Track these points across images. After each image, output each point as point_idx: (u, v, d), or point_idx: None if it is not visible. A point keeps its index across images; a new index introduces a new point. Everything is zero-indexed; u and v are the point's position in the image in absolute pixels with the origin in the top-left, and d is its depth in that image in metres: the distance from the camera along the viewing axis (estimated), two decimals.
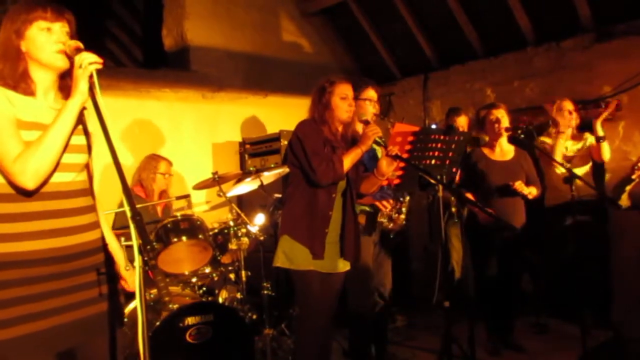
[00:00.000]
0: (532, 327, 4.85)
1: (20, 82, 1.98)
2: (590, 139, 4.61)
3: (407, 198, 3.97)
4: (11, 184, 1.90)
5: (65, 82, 2.05)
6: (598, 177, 4.79)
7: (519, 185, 4.14)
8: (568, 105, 4.59)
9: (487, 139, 4.57)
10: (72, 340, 2.01)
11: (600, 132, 4.45)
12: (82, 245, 2.05)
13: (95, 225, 2.14)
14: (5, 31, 2.00)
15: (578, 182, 3.81)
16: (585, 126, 4.67)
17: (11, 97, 1.93)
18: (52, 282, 1.95)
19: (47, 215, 1.96)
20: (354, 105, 3.21)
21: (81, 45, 1.99)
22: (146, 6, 7.88)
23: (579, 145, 4.63)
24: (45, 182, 1.93)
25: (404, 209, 3.95)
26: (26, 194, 1.91)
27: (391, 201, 3.80)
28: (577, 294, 4.15)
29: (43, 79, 2.03)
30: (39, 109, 2.00)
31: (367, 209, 3.85)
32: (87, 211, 2.11)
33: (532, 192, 4.20)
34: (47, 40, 1.98)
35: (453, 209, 4.87)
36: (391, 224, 3.88)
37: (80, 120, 2.05)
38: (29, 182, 1.87)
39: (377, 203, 3.78)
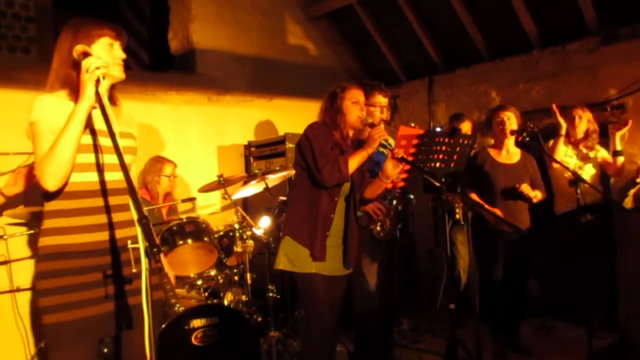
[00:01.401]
0: (538, 329, 4.84)
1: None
2: (601, 152, 4.60)
3: (395, 202, 3.94)
4: (39, 185, 2.07)
5: (113, 92, 2.31)
6: (604, 181, 4.77)
7: (525, 187, 4.14)
8: (576, 112, 4.59)
9: (492, 141, 4.57)
10: (108, 330, 2.17)
11: (619, 146, 4.45)
12: (89, 245, 2.13)
13: (104, 227, 2.18)
14: (76, 42, 2.13)
15: (584, 185, 3.80)
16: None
17: (67, 109, 2.07)
18: (63, 278, 2.09)
19: (80, 212, 2.13)
20: (365, 110, 3.22)
21: (88, 50, 2.05)
22: (152, 9, 7.92)
23: (592, 153, 4.61)
24: (66, 183, 2.09)
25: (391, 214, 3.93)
26: (49, 195, 2.09)
27: (383, 208, 3.79)
28: (584, 296, 4.15)
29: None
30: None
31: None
32: (97, 212, 2.17)
33: (537, 195, 4.21)
34: (110, 53, 2.20)
35: (457, 215, 4.85)
36: (382, 232, 3.86)
37: (89, 122, 2.11)
38: (48, 184, 2.03)
39: (370, 210, 3.78)
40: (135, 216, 1.72)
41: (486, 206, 3.98)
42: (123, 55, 2.25)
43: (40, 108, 2.07)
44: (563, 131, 4.52)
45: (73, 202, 2.12)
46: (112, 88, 2.30)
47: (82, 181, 2.13)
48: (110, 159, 2.18)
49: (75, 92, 2.09)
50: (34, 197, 3.38)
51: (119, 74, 2.24)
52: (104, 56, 2.16)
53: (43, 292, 2.08)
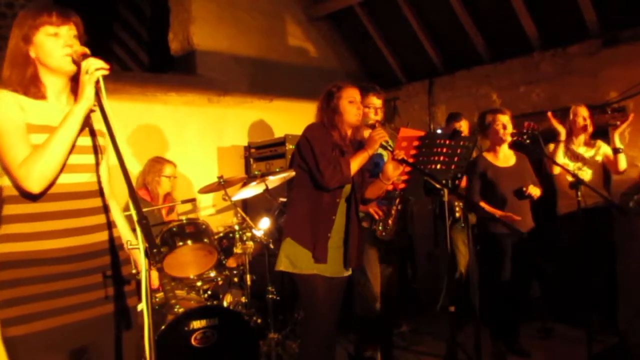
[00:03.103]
0: (538, 332, 4.82)
1: (30, 87, 2.01)
2: (603, 148, 4.59)
3: (398, 202, 3.93)
4: (17, 187, 1.94)
5: (77, 85, 2.04)
6: (606, 182, 4.76)
7: (532, 189, 4.16)
8: (583, 111, 4.59)
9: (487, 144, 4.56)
10: (81, 339, 2.05)
11: (619, 143, 4.45)
12: (89, 247, 2.08)
13: (103, 227, 2.15)
14: (13, 38, 2.04)
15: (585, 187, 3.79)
16: (595, 133, 4.67)
17: (22, 103, 1.97)
18: (61, 282, 1.99)
19: (53, 216, 2.00)
20: (362, 109, 3.21)
21: (88, 51, 2.02)
22: (152, 10, 7.92)
23: (592, 152, 4.61)
24: (51, 185, 1.96)
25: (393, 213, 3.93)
26: (32, 197, 1.94)
27: (384, 208, 3.80)
28: (584, 299, 4.14)
29: (54, 82, 2.07)
30: (51, 112, 2.03)
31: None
32: (96, 212, 2.13)
33: (538, 193, 4.22)
34: (54, 45, 2.01)
35: (457, 214, 4.85)
36: (384, 232, 3.86)
37: (87, 122, 2.08)
38: (34, 186, 1.90)
39: (370, 210, 3.78)
40: (135, 217, 1.70)
41: (499, 213, 4.01)
42: (70, 43, 2.01)
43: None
44: (563, 137, 4.54)
45: (28, 206, 1.95)
46: (74, 81, 2.06)
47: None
48: (84, 159, 2.08)
49: (18, 89, 1.98)
50: None
51: (66, 66, 2.01)
52: (48, 49, 1.99)
53: (4, 303, 1.90)
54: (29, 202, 1.95)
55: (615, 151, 4.46)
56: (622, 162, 4.48)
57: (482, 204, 4.19)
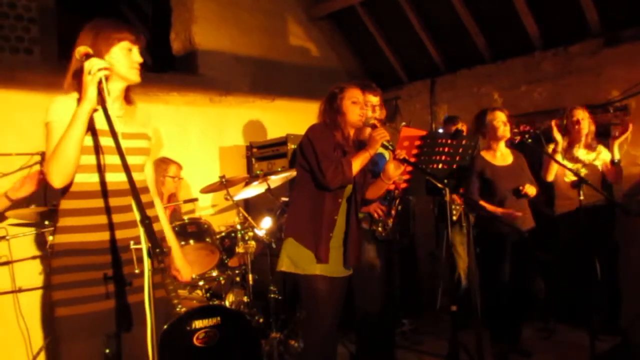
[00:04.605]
0: (540, 332, 4.83)
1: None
2: (603, 153, 4.56)
3: (395, 202, 3.93)
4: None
5: (128, 93, 2.42)
6: (606, 182, 4.75)
7: (529, 188, 4.15)
8: (579, 114, 4.55)
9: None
10: (113, 325, 2.24)
11: (617, 155, 4.43)
12: (99, 243, 2.20)
13: (105, 227, 2.22)
14: (96, 44, 2.21)
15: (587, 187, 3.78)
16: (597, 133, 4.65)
17: None
18: (97, 271, 2.20)
19: (89, 212, 2.21)
20: (365, 109, 3.21)
21: (90, 51, 2.05)
22: (154, 10, 7.92)
23: (591, 156, 4.58)
24: (71, 183, 2.18)
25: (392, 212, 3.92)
26: (62, 193, 2.21)
27: (384, 208, 3.80)
28: (586, 299, 4.13)
29: (115, 89, 2.29)
30: (103, 116, 2.10)
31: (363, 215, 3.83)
32: (127, 210, 2.23)
33: (533, 192, 4.22)
34: (127, 57, 2.28)
35: (454, 217, 4.83)
36: (383, 232, 3.86)
37: (93, 123, 2.14)
38: (54, 181, 2.10)
39: (371, 211, 3.78)
40: (137, 217, 1.72)
41: (500, 211, 4.02)
42: (140, 60, 2.32)
43: (55, 109, 2.15)
44: (559, 147, 4.48)
45: (85, 202, 2.21)
46: (128, 89, 2.39)
47: (91, 182, 2.21)
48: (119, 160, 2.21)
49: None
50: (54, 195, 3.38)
51: (134, 77, 2.32)
52: (122, 60, 2.25)
53: (56, 286, 2.18)
54: (75, 198, 2.20)
55: (613, 164, 4.44)
56: (619, 175, 4.48)
57: (483, 203, 4.19)
